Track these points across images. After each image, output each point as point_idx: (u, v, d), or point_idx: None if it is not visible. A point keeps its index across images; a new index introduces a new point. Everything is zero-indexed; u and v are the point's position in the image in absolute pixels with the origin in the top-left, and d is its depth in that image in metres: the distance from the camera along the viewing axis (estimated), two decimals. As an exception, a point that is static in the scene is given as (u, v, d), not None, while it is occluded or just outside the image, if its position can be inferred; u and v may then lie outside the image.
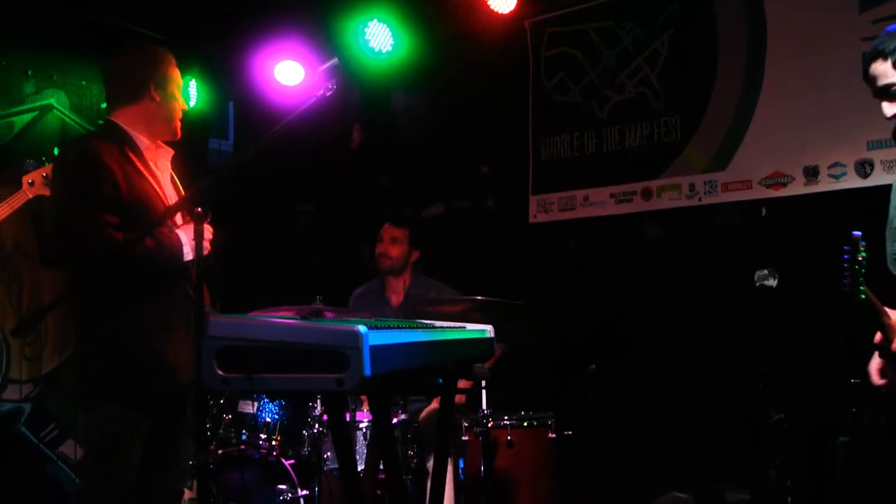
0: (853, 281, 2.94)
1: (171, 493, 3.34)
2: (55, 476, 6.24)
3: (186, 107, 3.45)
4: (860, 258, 2.93)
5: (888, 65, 2.93)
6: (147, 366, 3.12)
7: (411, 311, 4.98)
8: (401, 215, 5.78)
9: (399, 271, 5.38)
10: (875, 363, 3.23)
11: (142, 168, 3.25)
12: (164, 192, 3.29)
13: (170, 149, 3.43)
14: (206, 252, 3.13)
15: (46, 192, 3.74)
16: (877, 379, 3.21)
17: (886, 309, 3.08)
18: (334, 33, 6.47)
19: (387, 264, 5.34)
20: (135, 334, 3.13)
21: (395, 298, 5.41)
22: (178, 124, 3.46)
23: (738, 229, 5.26)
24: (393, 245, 5.34)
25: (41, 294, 6.16)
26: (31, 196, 3.75)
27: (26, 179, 3.75)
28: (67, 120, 6.57)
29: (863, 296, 2.95)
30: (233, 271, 6.72)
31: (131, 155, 3.24)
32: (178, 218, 3.26)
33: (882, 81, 2.98)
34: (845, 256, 2.94)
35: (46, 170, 3.78)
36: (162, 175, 3.35)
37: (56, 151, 5.86)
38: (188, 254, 3.19)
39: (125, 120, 3.32)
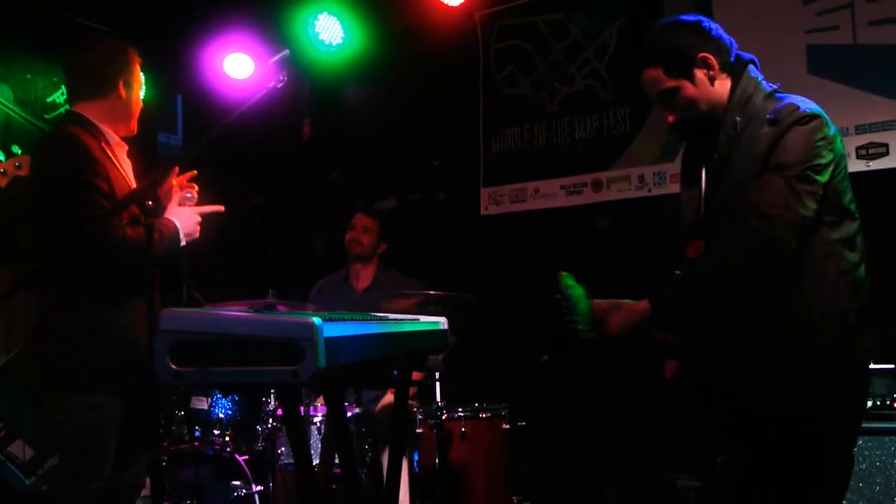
0: (572, 322, 2.88)
1: (131, 489, 3.28)
2: (3, 477, 6.12)
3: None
4: (569, 296, 2.90)
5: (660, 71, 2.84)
6: (136, 361, 3.04)
7: (377, 298, 5.01)
8: (373, 208, 5.97)
9: (367, 259, 5.50)
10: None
11: (117, 162, 3.23)
12: (132, 186, 3.27)
13: (125, 143, 3.40)
14: (196, 235, 3.19)
15: None
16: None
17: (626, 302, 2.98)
18: (284, 25, 6.43)
19: (356, 250, 5.47)
20: (123, 327, 3.08)
21: (361, 284, 5.50)
22: (136, 121, 3.43)
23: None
24: (364, 234, 5.47)
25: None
26: None
27: None
28: (12, 114, 6.44)
29: (584, 331, 2.89)
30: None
31: (107, 149, 3.21)
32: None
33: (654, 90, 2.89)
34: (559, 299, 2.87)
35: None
36: (127, 170, 3.33)
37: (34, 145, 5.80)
38: (183, 240, 3.18)
39: (91, 114, 3.28)
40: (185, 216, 3.19)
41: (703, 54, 2.81)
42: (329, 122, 7.05)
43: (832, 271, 2.61)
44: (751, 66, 2.88)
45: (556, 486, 5.27)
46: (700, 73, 2.82)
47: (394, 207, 6.56)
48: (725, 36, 2.89)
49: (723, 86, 2.84)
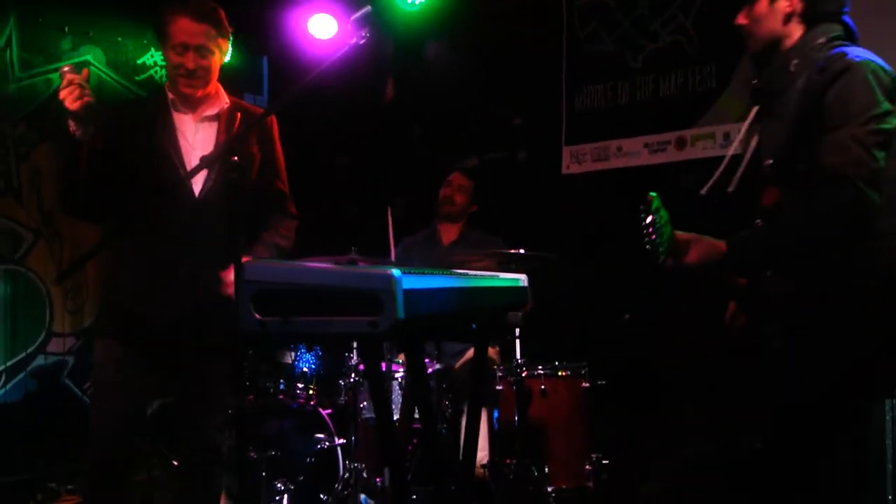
0: (652, 245, 2.85)
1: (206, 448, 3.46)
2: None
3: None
4: (655, 219, 2.84)
5: None
6: (137, 312, 3.28)
7: (462, 254, 5.07)
8: (468, 168, 6.11)
9: (457, 217, 5.64)
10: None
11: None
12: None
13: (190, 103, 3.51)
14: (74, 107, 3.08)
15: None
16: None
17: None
18: (366, -16, 6.44)
19: (448, 209, 5.63)
20: (123, 276, 3.36)
21: (447, 238, 5.64)
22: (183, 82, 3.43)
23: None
24: (459, 192, 5.64)
25: (82, 249, 6.26)
26: None
27: None
28: (104, 76, 6.62)
29: (662, 257, 2.84)
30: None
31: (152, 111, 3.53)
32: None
33: None
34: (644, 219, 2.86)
35: None
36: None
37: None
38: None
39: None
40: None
41: None
42: (411, 81, 7.06)
43: None
44: (833, 26, 2.80)
45: (635, 445, 5.26)
46: (783, 3, 2.82)
47: (476, 166, 6.56)
48: (839, 5, 2.83)
49: (794, 30, 2.82)
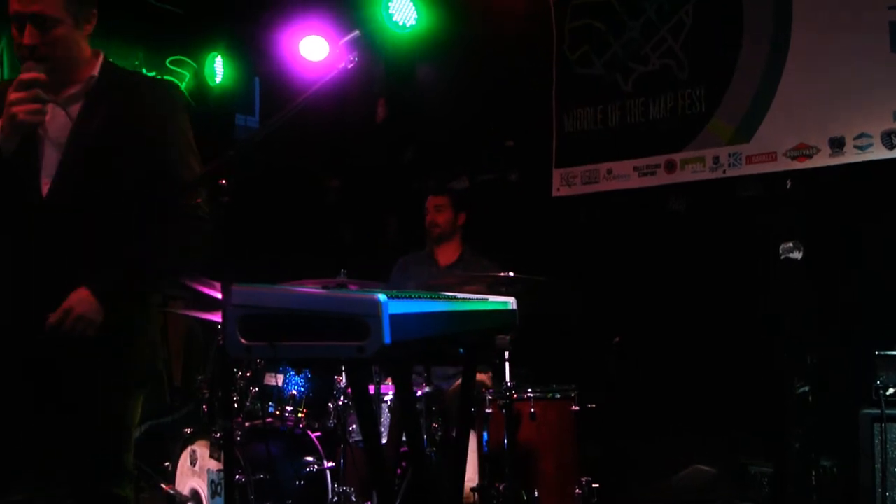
0: None
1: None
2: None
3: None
4: None
5: None
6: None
7: (453, 276, 5.08)
8: (439, 184, 6.04)
9: (450, 236, 5.65)
10: None
11: None
12: None
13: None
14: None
15: None
16: None
17: None
18: (358, 7, 6.48)
19: (437, 231, 5.62)
20: None
21: (444, 259, 5.63)
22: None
23: (762, 202, 5.24)
24: (438, 213, 5.61)
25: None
26: None
27: None
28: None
29: None
30: (258, 245, 6.79)
31: None
32: None
33: None
34: None
35: None
36: None
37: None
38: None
39: None
40: None
41: None
42: (403, 103, 7.08)
43: None
44: None
45: (625, 469, 5.25)
46: None
47: (466, 187, 6.57)
48: None
49: None
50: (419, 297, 2.40)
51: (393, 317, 2.06)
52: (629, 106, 5.82)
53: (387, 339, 2.02)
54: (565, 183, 6.08)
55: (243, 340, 2.10)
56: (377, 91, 7.11)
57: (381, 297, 2.04)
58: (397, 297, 2.15)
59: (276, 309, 2.09)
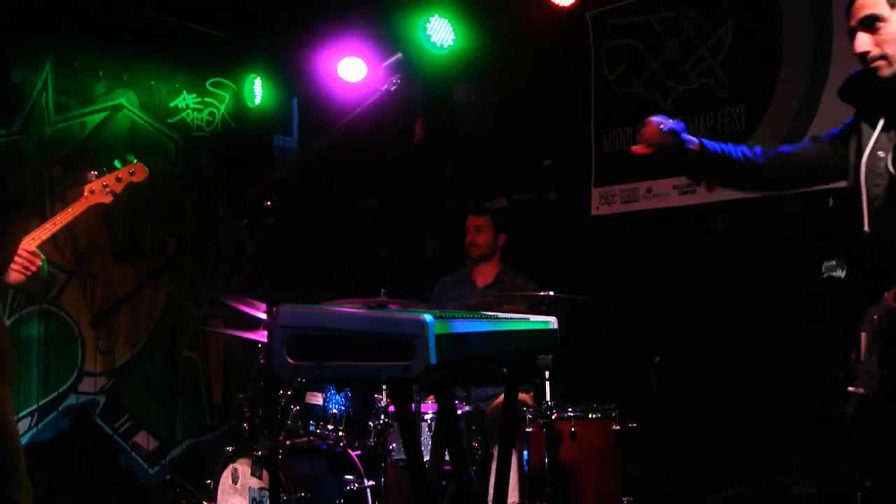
0: None
1: None
2: (129, 465, 6.43)
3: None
4: None
5: None
6: None
7: (492, 296, 5.09)
8: (480, 205, 6.16)
9: (489, 256, 5.67)
10: None
11: None
12: None
13: None
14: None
15: (106, 199, 3.88)
16: None
17: None
18: (396, 29, 6.53)
19: (476, 252, 5.65)
20: None
21: (482, 281, 5.66)
22: None
23: (804, 220, 5.19)
24: (479, 233, 5.64)
25: (114, 289, 6.33)
26: (90, 204, 3.87)
27: (87, 188, 3.89)
28: (137, 119, 6.74)
29: None
30: (298, 266, 6.85)
31: None
32: None
33: (866, 12, 2.80)
34: None
35: (107, 179, 3.90)
36: None
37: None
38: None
39: None
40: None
41: None
42: (441, 123, 7.12)
43: None
44: None
45: (666, 489, 5.21)
46: None
47: (504, 207, 6.58)
48: None
49: None
50: (463, 318, 2.41)
51: (438, 337, 2.08)
52: (668, 125, 5.79)
53: (433, 360, 2.03)
54: (604, 202, 6.07)
55: (290, 360, 2.12)
56: (415, 111, 7.16)
57: (427, 317, 2.05)
58: (442, 318, 2.17)
59: (323, 329, 2.11)
